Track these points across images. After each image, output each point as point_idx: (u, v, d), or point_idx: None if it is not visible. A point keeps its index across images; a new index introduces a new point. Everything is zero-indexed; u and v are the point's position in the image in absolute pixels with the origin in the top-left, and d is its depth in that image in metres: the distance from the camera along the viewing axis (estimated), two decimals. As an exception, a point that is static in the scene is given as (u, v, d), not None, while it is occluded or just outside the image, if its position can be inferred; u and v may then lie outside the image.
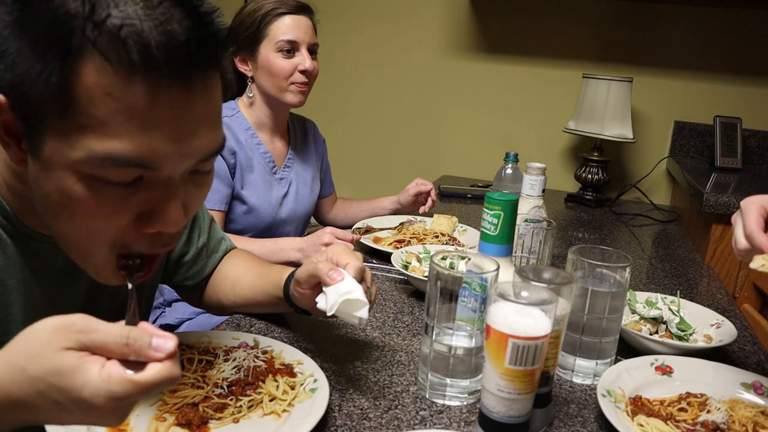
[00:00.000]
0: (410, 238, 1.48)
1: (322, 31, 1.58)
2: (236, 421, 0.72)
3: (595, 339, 0.89)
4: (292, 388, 0.78)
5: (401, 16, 2.50)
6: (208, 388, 0.76)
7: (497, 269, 0.79)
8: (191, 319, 1.48)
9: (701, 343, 1.00)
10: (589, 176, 2.19)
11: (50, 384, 0.49)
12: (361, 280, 0.81)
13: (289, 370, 0.82)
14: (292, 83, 1.49)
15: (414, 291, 1.21)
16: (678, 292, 1.14)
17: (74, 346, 0.49)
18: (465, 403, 0.83)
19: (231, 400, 0.75)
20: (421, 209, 1.71)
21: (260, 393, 0.77)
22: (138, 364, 0.50)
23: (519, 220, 1.10)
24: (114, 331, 0.50)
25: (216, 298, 1.04)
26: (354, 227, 1.60)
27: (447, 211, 1.82)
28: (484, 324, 0.70)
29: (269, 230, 1.58)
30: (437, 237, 1.49)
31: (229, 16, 1.32)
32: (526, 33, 2.37)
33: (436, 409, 0.81)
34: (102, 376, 0.48)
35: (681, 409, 0.80)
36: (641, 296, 1.12)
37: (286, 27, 1.47)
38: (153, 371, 0.49)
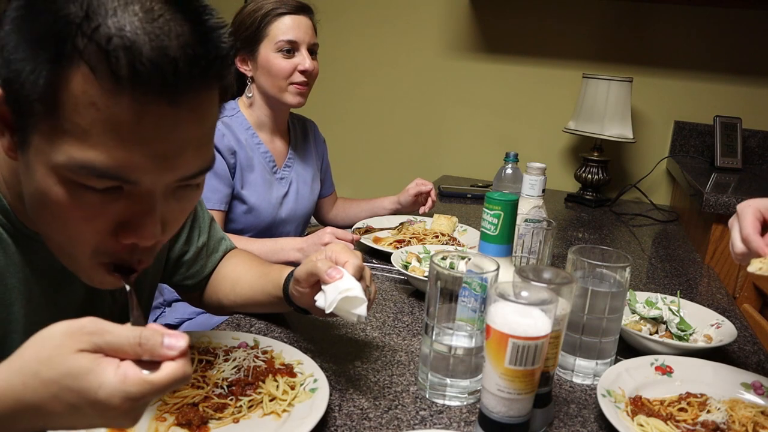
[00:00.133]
0: (410, 238, 1.48)
1: (322, 31, 1.58)
2: (236, 421, 0.72)
3: (595, 339, 0.89)
4: (292, 388, 0.78)
5: (401, 16, 2.50)
6: (208, 388, 0.76)
7: (497, 269, 0.79)
8: (191, 319, 1.48)
9: (701, 343, 1.00)
10: (589, 176, 2.19)
11: (65, 386, 0.48)
12: (360, 278, 0.81)
13: (289, 370, 0.82)
14: (292, 83, 1.49)
15: (414, 291, 1.21)
16: (678, 292, 1.14)
17: (88, 348, 0.49)
18: (465, 403, 0.82)
19: (231, 400, 0.75)
20: (421, 209, 1.71)
21: (260, 393, 0.77)
22: (150, 364, 0.50)
23: (519, 220, 1.10)
24: (126, 332, 0.50)
25: (216, 298, 1.04)
26: (354, 227, 1.60)
27: (447, 211, 1.82)
28: (484, 324, 0.70)
29: (269, 230, 1.58)
30: (437, 237, 1.49)
31: (229, 16, 1.32)
32: (526, 33, 2.37)
33: (436, 409, 0.81)
34: (118, 376, 0.48)
35: (681, 409, 0.80)
36: (641, 296, 1.12)
37: (286, 27, 1.47)
38: (168, 370, 0.49)
